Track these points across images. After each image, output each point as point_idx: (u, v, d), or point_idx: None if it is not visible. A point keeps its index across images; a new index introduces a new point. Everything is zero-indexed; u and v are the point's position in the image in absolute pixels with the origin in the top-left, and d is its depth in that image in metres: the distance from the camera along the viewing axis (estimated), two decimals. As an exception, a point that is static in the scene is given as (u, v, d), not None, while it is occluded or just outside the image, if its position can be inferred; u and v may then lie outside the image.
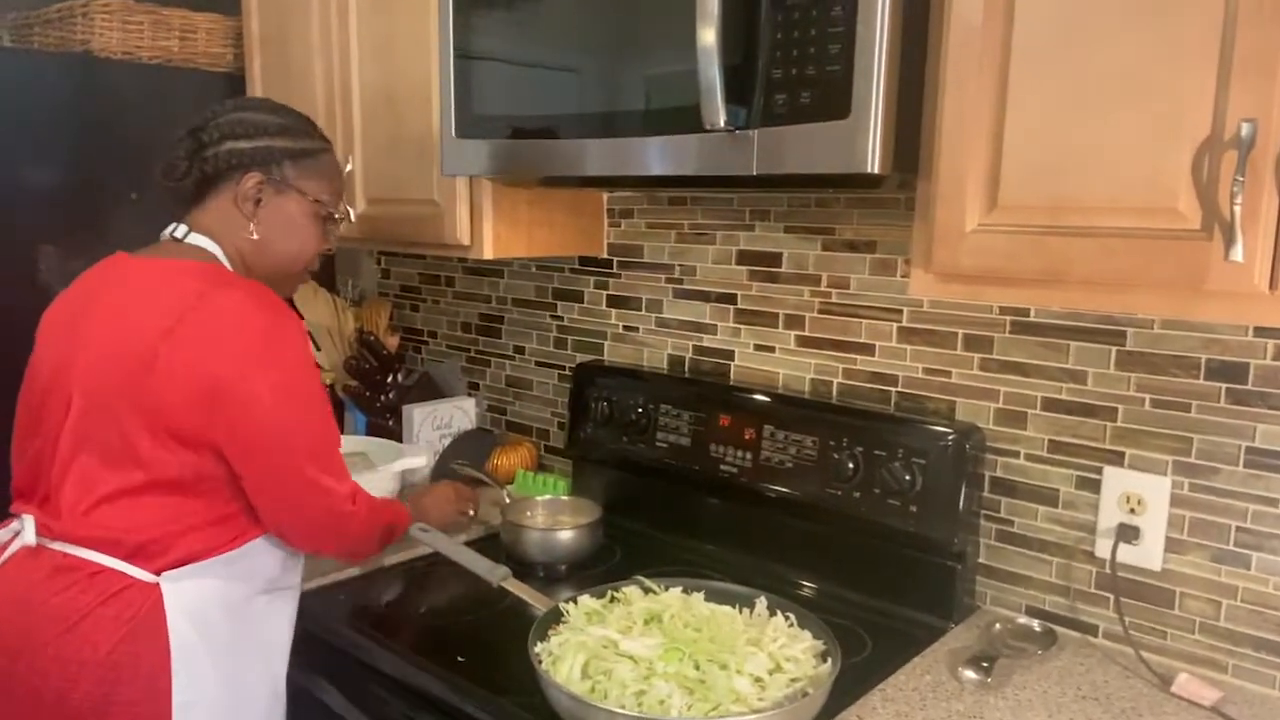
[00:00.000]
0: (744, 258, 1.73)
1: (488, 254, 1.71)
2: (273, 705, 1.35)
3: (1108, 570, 1.37)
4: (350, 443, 2.04)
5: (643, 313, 1.91)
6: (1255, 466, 1.27)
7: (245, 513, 1.28)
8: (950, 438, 1.44)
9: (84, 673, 1.18)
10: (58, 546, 1.23)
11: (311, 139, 1.40)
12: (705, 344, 1.81)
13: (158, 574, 1.22)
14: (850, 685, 1.24)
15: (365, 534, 1.39)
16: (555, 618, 1.31)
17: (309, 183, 1.38)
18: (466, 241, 1.70)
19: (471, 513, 1.73)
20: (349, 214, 1.48)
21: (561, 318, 2.05)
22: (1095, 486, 1.39)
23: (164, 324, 1.21)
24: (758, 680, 1.16)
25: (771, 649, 1.21)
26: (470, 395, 2.24)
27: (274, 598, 1.35)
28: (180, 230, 1.34)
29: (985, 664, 1.29)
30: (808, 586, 1.59)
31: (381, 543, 1.44)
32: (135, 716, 1.20)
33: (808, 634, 1.27)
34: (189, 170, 1.33)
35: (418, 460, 1.89)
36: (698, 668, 1.16)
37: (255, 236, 1.34)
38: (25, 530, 1.26)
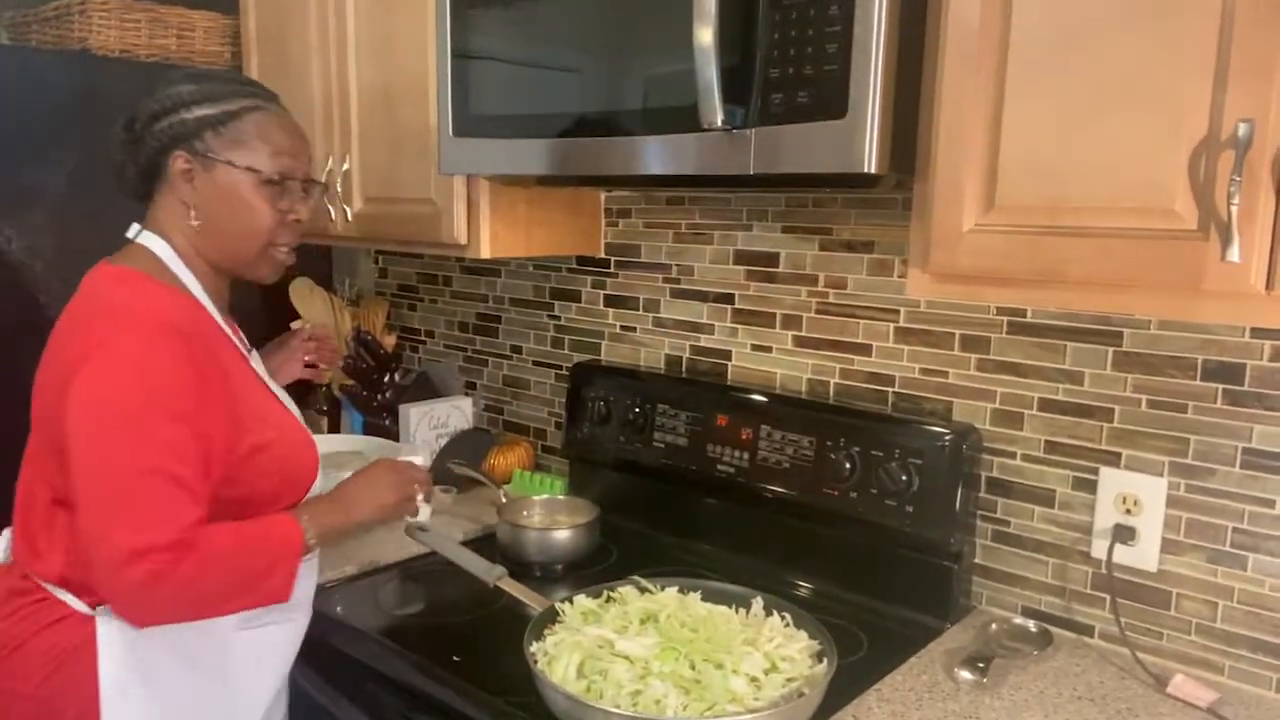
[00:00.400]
0: (741, 258, 1.73)
1: (485, 253, 1.70)
2: None
3: (1104, 571, 1.37)
4: (347, 442, 2.05)
5: (640, 312, 1.90)
6: (1252, 467, 1.27)
7: None
8: (947, 438, 1.44)
9: (15, 705, 1.14)
10: (17, 566, 1.21)
11: (234, 99, 1.23)
12: (702, 344, 1.81)
13: (93, 607, 1.15)
14: (846, 685, 1.24)
15: (166, 595, 1.07)
16: (551, 617, 1.31)
17: (236, 151, 1.21)
18: (464, 241, 1.70)
19: (421, 497, 1.39)
20: (309, 174, 1.30)
21: (559, 317, 2.05)
22: (1091, 487, 1.40)
23: (67, 337, 1.18)
24: (754, 680, 1.16)
25: (767, 649, 1.21)
26: (467, 395, 2.24)
27: (260, 632, 1.24)
28: (133, 230, 1.26)
29: (981, 664, 1.29)
30: (804, 586, 1.58)
31: (227, 598, 1.14)
32: None
33: (804, 634, 1.27)
34: (124, 167, 1.25)
35: (414, 459, 1.88)
36: (693, 667, 1.16)
37: (195, 223, 1.22)
38: (2, 545, 1.24)
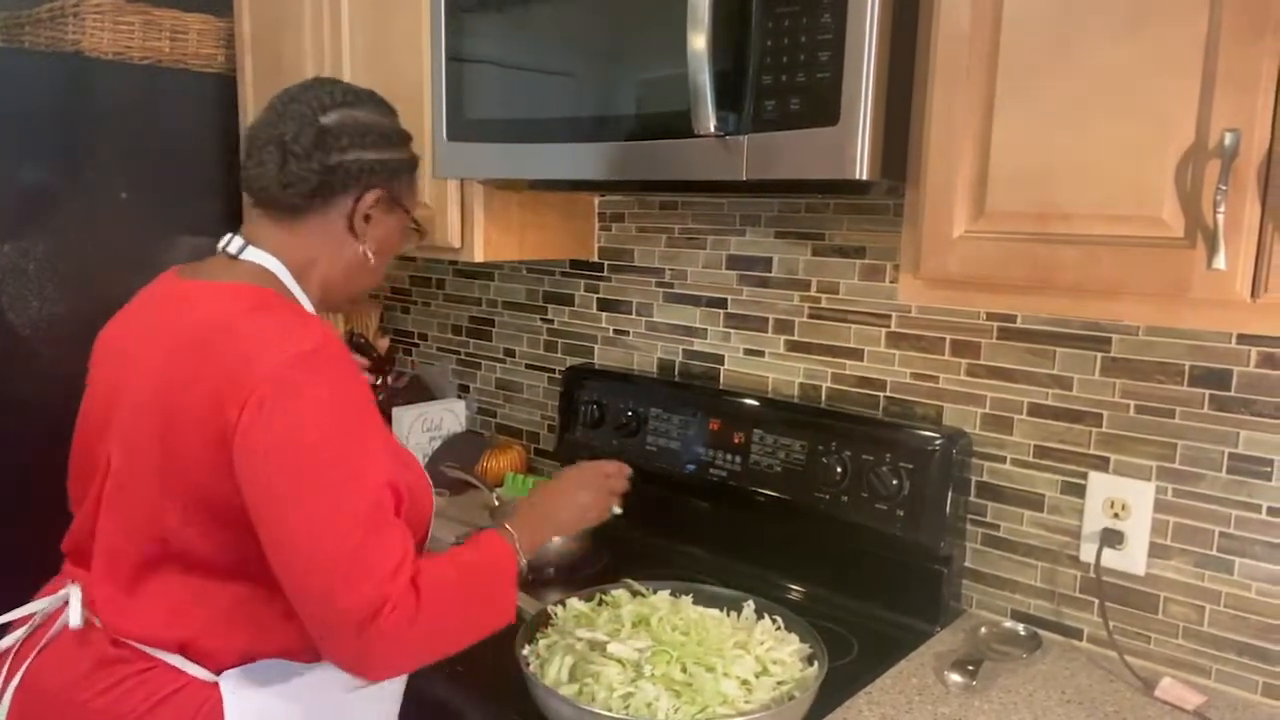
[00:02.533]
0: (734, 262, 1.74)
1: (479, 257, 1.71)
2: None
3: (1092, 575, 1.38)
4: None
5: (633, 316, 1.91)
6: (1238, 472, 1.28)
7: None
8: (937, 442, 1.45)
9: None
10: (106, 629, 1.06)
11: (409, 148, 1.21)
12: (695, 348, 1.82)
13: (217, 673, 1.04)
14: (837, 688, 1.24)
15: (412, 639, 0.98)
16: (543, 620, 1.31)
17: (411, 199, 1.21)
18: (457, 244, 1.71)
19: (619, 496, 1.32)
20: (424, 234, 1.30)
21: (552, 321, 2.06)
22: (1080, 492, 1.41)
23: (188, 363, 1.02)
24: (745, 683, 1.17)
25: (759, 652, 1.21)
26: (460, 398, 2.24)
27: (372, 698, 1.15)
28: (235, 245, 1.13)
29: (971, 667, 1.30)
30: (795, 590, 1.59)
31: (464, 632, 1.05)
32: None
33: (795, 637, 1.28)
34: (320, 187, 1.12)
35: (407, 462, 1.89)
36: (685, 670, 1.16)
37: (372, 260, 1.17)
38: (72, 605, 1.07)
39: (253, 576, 1.01)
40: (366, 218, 1.15)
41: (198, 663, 1.04)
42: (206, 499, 1.00)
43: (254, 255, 1.12)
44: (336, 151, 1.12)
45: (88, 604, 1.08)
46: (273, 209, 1.14)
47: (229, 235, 1.15)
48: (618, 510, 1.33)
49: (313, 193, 1.12)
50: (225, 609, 1.04)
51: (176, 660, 1.04)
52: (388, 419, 2.11)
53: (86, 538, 1.12)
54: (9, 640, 1.13)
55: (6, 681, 1.09)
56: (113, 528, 1.07)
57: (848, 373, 1.62)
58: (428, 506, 1.16)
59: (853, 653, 1.38)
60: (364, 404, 1.02)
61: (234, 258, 1.13)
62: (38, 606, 1.13)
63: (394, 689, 1.20)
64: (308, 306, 1.14)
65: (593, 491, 1.29)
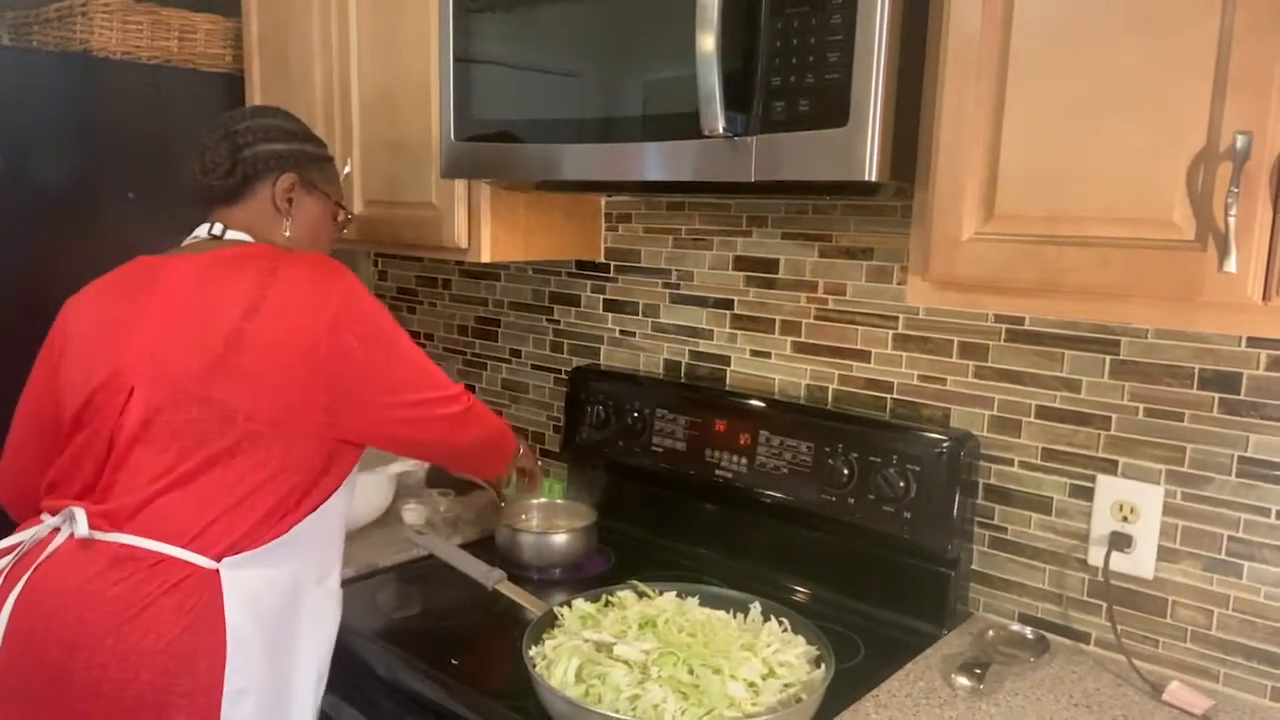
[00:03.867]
0: (741, 263, 1.74)
1: (485, 257, 1.71)
2: (317, 689, 1.34)
3: (1100, 578, 1.38)
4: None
5: (639, 317, 1.91)
6: (1247, 476, 1.28)
7: (296, 491, 1.27)
8: (945, 445, 1.44)
9: (145, 663, 1.16)
10: (113, 538, 1.21)
11: (326, 147, 1.53)
12: (701, 349, 1.82)
13: (218, 560, 1.21)
14: (843, 691, 1.24)
15: (487, 428, 1.46)
16: (550, 621, 1.31)
17: (330, 186, 1.51)
18: (464, 244, 1.71)
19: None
20: (351, 217, 1.58)
21: (558, 321, 2.06)
22: (1088, 495, 1.40)
23: (244, 304, 1.27)
24: (751, 685, 1.16)
25: (765, 654, 1.21)
26: (466, 398, 2.24)
27: (324, 592, 1.36)
28: (217, 228, 1.39)
29: (978, 670, 1.30)
30: (801, 592, 1.59)
31: (496, 450, 1.53)
32: (192, 706, 1.18)
33: (801, 639, 1.28)
34: (232, 169, 1.40)
35: (413, 463, 1.89)
36: (692, 672, 1.16)
37: (288, 234, 1.43)
38: (78, 522, 1.21)
39: (268, 464, 1.24)
40: (289, 200, 1.43)
41: (201, 553, 1.20)
42: (279, 401, 1.26)
43: (233, 235, 1.40)
44: (246, 146, 1.41)
45: (94, 523, 1.21)
46: (213, 199, 1.42)
47: (206, 225, 1.41)
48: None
49: (228, 173, 1.39)
50: (234, 503, 1.23)
51: (183, 553, 1.20)
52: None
53: (78, 473, 1.28)
54: (15, 547, 1.25)
55: (3, 598, 1.20)
56: (154, 450, 1.24)
57: (855, 374, 1.62)
58: None
59: (859, 655, 1.38)
60: (382, 308, 1.38)
61: (218, 238, 1.39)
62: (26, 534, 1.25)
63: (335, 585, 1.40)
64: None
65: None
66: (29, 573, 1.21)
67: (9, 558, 1.24)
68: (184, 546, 1.21)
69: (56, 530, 1.23)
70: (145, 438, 1.25)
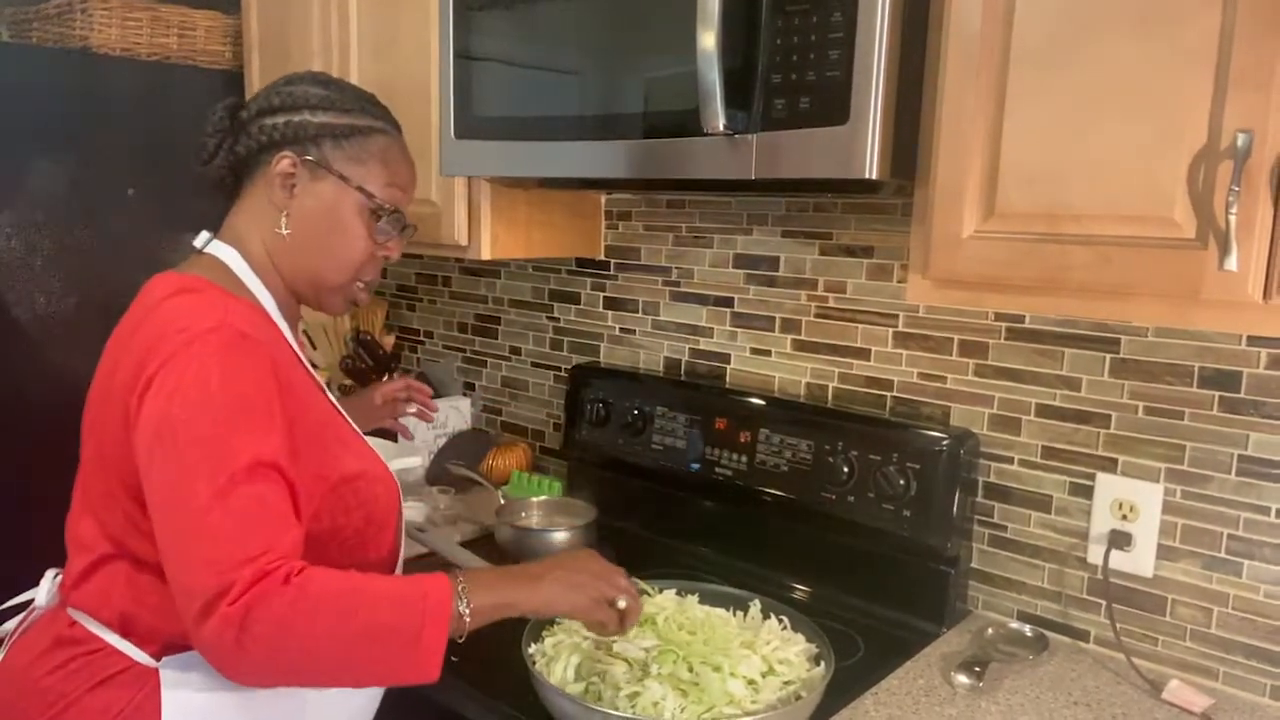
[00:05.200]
0: (741, 261, 1.74)
1: (485, 255, 1.71)
2: None
3: (1100, 576, 1.38)
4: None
5: (639, 315, 1.91)
6: (1247, 474, 1.28)
7: None
8: (945, 443, 1.44)
9: None
10: (70, 611, 1.07)
11: (363, 115, 1.15)
12: (702, 347, 1.82)
13: (158, 658, 1.03)
14: (843, 689, 1.24)
15: (258, 654, 0.90)
16: (550, 619, 1.31)
17: (354, 167, 1.12)
18: (464, 242, 1.70)
19: (623, 605, 1.08)
20: (394, 210, 1.17)
21: (558, 319, 2.06)
22: (1088, 493, 1.40)
23: (119, 355, 1.04)
24: (751, 683, 1.16)
25: (765, 652, 1.21)
26: (466, 395, 2.24)
27: (341, 697, 1.11)
28: (201, 238, 1.14)
29: (977, 669, 1.30)
30: (801, 590, 1.59)
31: (344, 661, 0.94)
32: None
33: (801, 637, 1.28)
34: (216, 150, 1.13)
35: (412, 460, 1.89)
36: (691, 670, 1.16)
37: (286, 232, 1.11)
38: (44, 585, 1.10)
39: None
40: (291, 188, 1.11)
41: (140, 646, 1.03)
42: (132, 488, 0.99)
43: (213, 247, 1.13)
44: (247, 122, 1.13)
45: (60, 586, 1.10)
46: (214, 191, 1.17)
47: (204, 232, 1.16)
48: (622, 604, 1.08)
49: (210, 156, 1.13)
50: (164, 594, 0.98)
51: (120, 642, 1.03)
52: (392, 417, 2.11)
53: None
54: (10, 625, 1.15)
55: None
56: (76, 523, 1.08)
57: (855, 372, 1.62)
58: (386, 500, 1.14)
59: (859, 653, 1.38)
60: (251, 386, 0.97)
61: (200, 251, 1.14)
62: (35, 593, 1.16)
63: (372, 703, 1.17)
64: (261, 294, 1.12)
65: (586, 594, 1.07)
66: (14, 638, 1.11)
67: (20, 618, 1.14)
68: (119, 634, 1.03)
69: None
70: (86, 504, 1.07)
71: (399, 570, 1.20)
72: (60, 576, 1.11)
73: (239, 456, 0.93)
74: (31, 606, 1.14)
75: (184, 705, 1.01)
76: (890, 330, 1.57)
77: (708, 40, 1.14)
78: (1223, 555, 1.30)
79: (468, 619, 0.97)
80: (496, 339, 2.19)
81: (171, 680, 1.02)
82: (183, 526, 0.92)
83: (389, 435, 2.10)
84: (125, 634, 1.03)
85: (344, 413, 1.17)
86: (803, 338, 1.67)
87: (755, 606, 1.34)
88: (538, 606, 1.07)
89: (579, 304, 2.01)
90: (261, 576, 0.89)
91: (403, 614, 0.94)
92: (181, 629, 0.93)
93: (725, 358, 1.78)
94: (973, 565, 1.52)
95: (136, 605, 1.03)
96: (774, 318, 1.71)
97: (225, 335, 0.99)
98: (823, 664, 1.21)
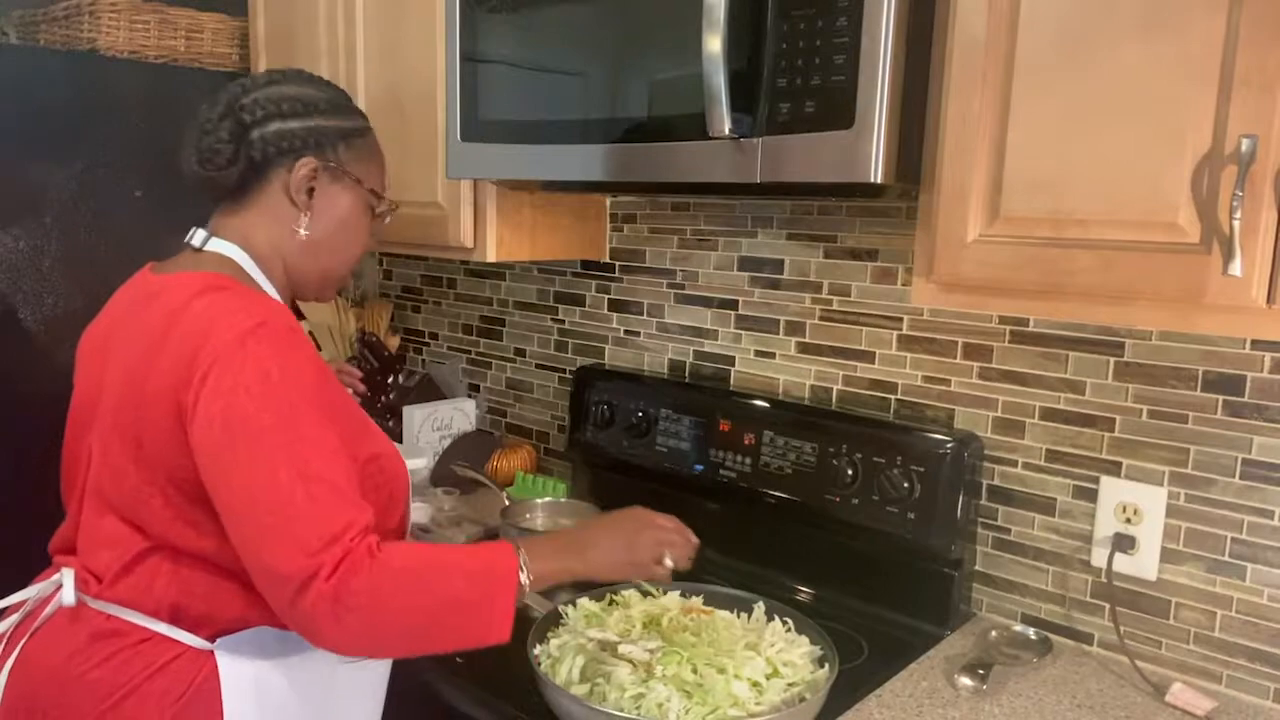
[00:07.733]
0: (746, 264, 1.74)
1: (491, 257, 1.71)
2: None
3: (1103, 579, 1.38)
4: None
5: (644, 317, 1.91)
6: (1251, 478, 1.28)
7: None
8: (949, 446, 1.44)
9: None
10: (99, 606, 1.07)
11: (358, 115, 1.21)
12: (706, 349, 1.82)
13: (212, 640, 1.06)
14: (847, 691, 1.24)
15: (353, 624, 0.95)
16: (554, 620, 1.32)
17: (363, 167, 1.19)
18: (470, 244, 1.71)
19: (670, 564, 1.20)
20: (395, 207, 1.27)
21: (563, 321, 2.06)
22: (1092, 496, 1.40)
23: (150, 354, 1.04)
24: (755, 684, 1.17)
25: (769, 654, 1.22)
26: (471, 397, 2.25)
27: (361, 668, 1.17)
28: (198, 237, 1.15)
29: (981, 671, 1.30)
30: (805, 592, 1.59)
31: (424, 637, 1.02)
32: None
33: (805, 639, 1.28)
34: (235, 157, 1.12)
35: (418, 461, 1.89)
36: (696, 671, 1.17)
37: (305, 234, 1.15)
38: (65, 586, 1.08)
39: (235, 553, 1.01)
40: (310, 191, 1.15)
41: (191, 631, 1.06)
42: (181, 481, 1.02)
43: (216, 245, 1.14)
44: (254, 124, 1.13)
45: (79, 586, 1.10)
46: (214, 194, 1.16)
47: (193, 229, 1.17)
48: (669, 564, 1.19)
49: (229, 162, 1.12)
50: (213, 581, 1.05)
51: (170, 630, 1.05)
52: (398, 417, 2.12)
53: (75, 532, 1.14)
54: (3, 626, 1.14)
55: (0, 663, 1.11)
56: (97, 521, 1.09)
57: (859, 375, 1.62)
58: (402, 477, 1.19)
59: (863, 655, 1.38)
60: (306, 377, 1.02)
61: (198, 250, 1.15)
62: (31, 592, 1.15)
63: (381, 665, 1.22)
64: (270, 291, 1.15)
65: (644, 552, 1.18)
66: (26, 638, 1.10)
67: (15, 617, 1.13)
68: (168, 622, 1.05)
69: (58, 591, 1.11)
70: (107, 502, 1.08)
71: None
72: (72, 573, 1.11)
73: (310, 442, 0.98)
74: (26, 606, 1.14)
75: (239, 680, 1.05)
76: (894, 333, 1.57)
77: (714, 44, 1.15)
78: (1226, 559, 1.31)
79: (528, 586, 1.06)
80: (501, 341, 2.19)
81: (227, 659, 1.05)
82: (266, 514, 0.95)
83: (394, 436, 2.12)
84: (174, 622, 1.05)
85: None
86: (807, 340, 1.68)
87: (759, 608, 1.35)
88: (591, 572, 1.15)
89: (584, 306, 2.01)
90: (347, 553, 0.94)
91: (475, 585, 1.02)
92: (236, 613, 1.03)
93: (729, 360, 1.79)
94: (976, 568, 1.52)
95: (184, 595, 1.06)
96: (778, 320, 1.71)
97: (275, 328, 1.02)
98: (827, 666, 1.21)
